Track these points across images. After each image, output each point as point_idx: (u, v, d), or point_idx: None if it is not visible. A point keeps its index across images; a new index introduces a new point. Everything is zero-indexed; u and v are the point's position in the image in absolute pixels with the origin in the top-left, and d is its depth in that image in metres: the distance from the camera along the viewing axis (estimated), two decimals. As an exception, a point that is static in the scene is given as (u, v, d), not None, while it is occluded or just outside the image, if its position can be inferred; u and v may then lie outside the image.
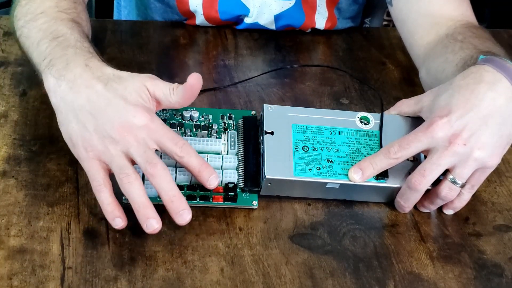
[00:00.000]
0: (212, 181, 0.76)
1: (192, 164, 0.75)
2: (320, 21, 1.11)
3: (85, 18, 0.88)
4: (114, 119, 0.73)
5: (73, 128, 0.74)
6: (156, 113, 0.85)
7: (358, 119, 0.85)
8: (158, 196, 0.78)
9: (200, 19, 1.09)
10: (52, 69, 0.77)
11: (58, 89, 0.76)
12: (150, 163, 0.73)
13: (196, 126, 0.85)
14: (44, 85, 0.78)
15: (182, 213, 0.74)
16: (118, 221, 0.73)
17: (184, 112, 0.86)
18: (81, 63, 0.76)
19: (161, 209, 0.79)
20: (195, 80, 0.75)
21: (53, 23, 0.82)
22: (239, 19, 1.10)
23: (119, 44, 1.04)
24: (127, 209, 0.79)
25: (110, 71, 0.76)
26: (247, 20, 1.09)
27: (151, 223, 0.73)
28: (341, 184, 0.81)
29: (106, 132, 0.73)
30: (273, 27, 1.10)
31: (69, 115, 0.74)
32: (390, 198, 0.83)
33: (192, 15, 1.09)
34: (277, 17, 1.09)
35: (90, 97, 0.74)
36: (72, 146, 0.75)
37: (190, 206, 0.80)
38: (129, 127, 0.73)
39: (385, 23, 1.31)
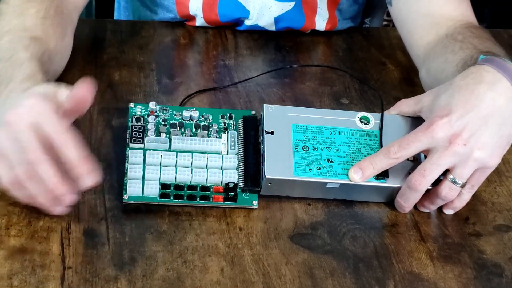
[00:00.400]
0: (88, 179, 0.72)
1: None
2: (321, 23, 1.11)
3: (52, 32, 0.88)
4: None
5: None
6: (156, 112, 0.85)
7: (358, 119, 0.85)
8: (158, 196, 0.79)
9: (200, 22, 1.09)
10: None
11: None
12: (28, 148, 0.70)
13: (196, 126, 0.85)
14: None
15: (56, 203, 0.73)
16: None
17: (184, 112, 0.86)
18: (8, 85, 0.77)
19: (160, 209, 0.79)
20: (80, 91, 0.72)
21: (13, 42, 0.83)
22: (239, 22, 1.10)
23: (119, 44, 1.04)
24: (128, 209, 0.79)
25: (17, 89, 0.75)
26: (247, 22, 1.09)
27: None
28: (341, 184, 0.81)
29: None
30: (273, 29, 1.10)
31: None
32: (390, 198, 0.83)
33: (192, 18, 1.09)
34: (277, 19, 1.09)
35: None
36: None
37: (190, 206, 0.80)
38: (16, 112, 0.71)
39: (385, 23, 1.31)
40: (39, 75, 0.79)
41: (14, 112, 0.71)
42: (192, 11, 1.08)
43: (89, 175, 0.71)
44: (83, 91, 0.72)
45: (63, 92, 0.74)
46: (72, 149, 0.71)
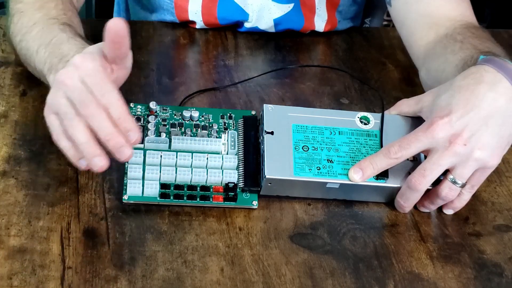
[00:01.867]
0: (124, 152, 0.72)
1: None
2: (320, 24, 1.11)
3: (76, 22, 0.90)
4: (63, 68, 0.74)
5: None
6: (156, 112, 0.85)
7: (358, 119, 0.85)
8: (158, 196, 0.79)
9: (199, 25, 1.09)
10: (52, 70, 0.79)
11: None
12: (82, 103, 0.72)
13: (196, 126, 0.85)
14: (48, 81, 0.79)
15: (122, 150, 0.72)
16: (98, 159, 0.72)
17: (184, 112, 0.86)
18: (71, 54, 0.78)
19: (160, 209, 0.79)
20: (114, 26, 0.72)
21: (46, 29, 0.84)
22: (238, 24, 1.10)
23: (119, 44, 1.04)
24: (128, 209, 0.79)
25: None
26: (247, 25, 1.09)
27: (96, 161, 0.72)
28: (341, 184, 0.81)
29: (55, 85, 0.74)
30: (272, 31, 1.10)
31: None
32: (390, 198, 0.83)
33: (191, 22, 1.09)
34: (276, 22, 1.09)
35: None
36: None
37: (190, 206, 0.80)
38: (67, 71, 0.73)
39: (385, 23, 1.31)
40: (88, 45, 0.80)
41: (64, 71, 0.73)
42: (191, 16, 1.08)
43: (133, 131, 0.72)
44: (116, 23, 0.71)
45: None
46: (117, 106, 0.72)
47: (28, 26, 0.86)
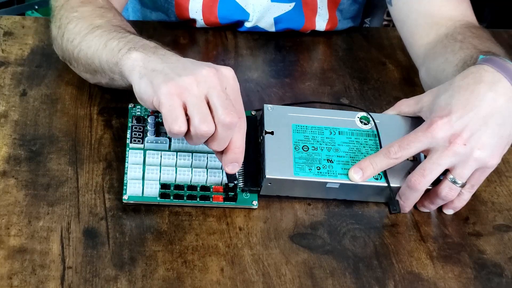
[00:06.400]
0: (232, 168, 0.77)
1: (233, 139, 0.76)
2: (321, 23, 1.11)
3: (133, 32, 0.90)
4: (204, 66, 0.76)
5: (158, 78, 0.75)
6: (156, 112, 0.85)
7: (358, 119, 0.85)
8: (158, 196, 0.79)
9: (200, 24, 1.09)
10: (137, 49, 0.79)
11: (147, 59, 0.77)
12: (227, 109, 0.73)
13: (196, 126, 0.85)
14: (125, 64, 0.79)
15: (234, 165, 0.76)
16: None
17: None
18: (165, 50, 0.80)
19: (160, 209, 0.79)
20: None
21: (112, 31, 0.85)
22: (239, 23, 1.10)
23: (119, 44, 1.04)
24: (128, 209, 0.79)
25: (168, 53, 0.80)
26: (247, 24, 1.09)
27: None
28: (341, 184, 0.81)
29: (193, 73, 0.74)
30: (272, 30, 1.10)
31: (158, 75, 0.75)
32: (389, 198, 0.83)
33: (192, 21, 1.09)
34: (276, 20, 1.09)
35: (180, 58, 0.78)
36: (152, 93, 0.75)
37: (190, 206, 0.80)
38: (215, 71, 0.75)
39: (385, 23, 1.31)
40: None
41: (208, 69, 0.75)
42: (191, 14, 1.08)
43: (234, 164, 0.77)
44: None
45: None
46: (239, 136, 0.76)
47: (90, 28, 0.86)
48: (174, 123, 0.73)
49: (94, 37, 0.85)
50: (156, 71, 0.75)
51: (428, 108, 0.82)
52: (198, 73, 0.74)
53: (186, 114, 0.74)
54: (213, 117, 0.74)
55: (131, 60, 0.78)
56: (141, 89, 0.76)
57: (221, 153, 0.77)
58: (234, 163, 0.76)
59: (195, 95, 0.73)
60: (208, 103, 0.74)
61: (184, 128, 0.73)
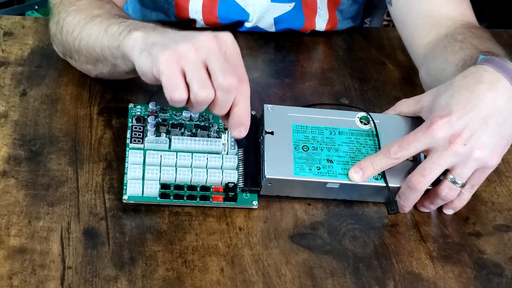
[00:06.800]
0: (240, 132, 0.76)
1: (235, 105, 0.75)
2: (321, 24, 1.11)
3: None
4: (202, 33, 0.75)
5: (156, 49, 0.75)
6: (156, 112, 0.85)
7: (358, 119, 0.85)
8: (158, 196, 0.79)
9: (200, 24, 1.09)
10: (137, 29, 0.79)
11: (147, 36, 0.77)
12: (225, 73, 0.73)
13: (196, 126, 0.85)
14: (127, 45, 0.79)
15: (240, 129, 0.75)
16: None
17: (184, 112, 0.86)
18: (165, 28, 0.79)
19: (160, 209, 0.79)
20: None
21: (111, 17, 0.85)
22: (239, 23, 1.10)
23: (119, 44, 1.04)
24: (128, 209, 0.79)
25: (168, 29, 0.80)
26: (247, 25, 1.09)
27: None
28: (341, 184, 0.81)
29: (190, 40, 0.74)
30: (272, 30, 1.10)
31: (157, 46, 0.75)
32: (388, 198, 0.83)
33: (192, 21, 1.09)
34: (276, 20, 1.09)
35: (179, 31, 0.78)
36: (151, 64, 0.75)
37: (190, 206, 0.80)
38: (214, 36, 0.74)
39: (385, 23, 1.31)
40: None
41: (206, 35, 0.74)
42: (191, 15, 1.08)
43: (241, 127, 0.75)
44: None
45: None
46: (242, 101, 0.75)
47: (89, 18, 0.86)
48: (175, 91, 0.72)
49: (94, 25, 0.85)
50: (155, 44, 0.75)
51: (428, 108, 0.82)
52: (196, 40, 0.74)
53: (187, 81, 0.73)
54: (212, 82, 0.73)
55: (132, 40, 0.78)
56: (142, 63, 0.75)
57: (226, 117, 0.76)
58: (241, 127, 0.75)
59: (193, 61, 0.73)
60: (207, 69, 0.74)
61: (185, 96, 0.73)
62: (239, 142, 0.77)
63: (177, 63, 0.72)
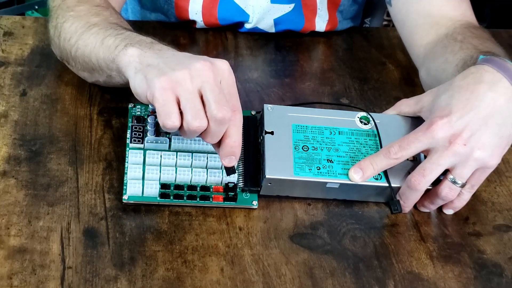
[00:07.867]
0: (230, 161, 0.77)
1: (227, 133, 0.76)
2: (320, 24, 1.11)
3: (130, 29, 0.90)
4: (199, 59, 0.75)
5: (152, 73, 0.75)
6: (156, 118, 0.85)
7: (358, 119, 0.85)
8: (158, 196, 0.79)
9: (200, 25, 1.09)
10: (133, 45, 0.79)
11: (143, 54, 0.77)
12: (219, 104, 0.73)
13: (196, 126, 0.85)
14: (122, 60, 0.79)
15: (231, 159, 0.76)
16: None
17: (184, 112, 0.86)
18: (161, 45, 0.79)
19: (160, 209, 0.79)
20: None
21: (109, 28, 0.84)
22: (239, 24, 1.10)
23: (119, 44, 1.04)
24: (128, 209, 0.79)
25: (164, 47, 0.80)
26: (247, 26, 1.09)
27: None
28: (341, 184, 0.81)
29: (187, 67, 0.74)
30: (272, 30, 1.10)
31: (152, 69, 0.75)
32: (390, 198, 0.83)
33: (192, 22, 1.09)
34: (276, 21, 1.09)
35: (176, 53, 0.78)
36: (146, 87, 0.75)
37: (190, 206, 0.80)
38: (210, 64, 0.74)
39: (385, 23, 1.31)
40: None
41: (202, 63, 0.74)
42: (191, 16, 1.08)
43: (231, 158, 0.76)
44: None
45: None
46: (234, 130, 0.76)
47: (86, 27, 0.86)
48: (168, 119, 0.73)
49: (91, 35, 0.85)
50: (150, 66, 0.75)
51: (428, 108, 0.82)
52: (192, 67, 0.74)
53: (180, 108, 0.73)
54: (206, 112, 0.73)
55: (127, 56, 0.78)
56: (136, 84, 0.76)
57: (218, 145, 0.77)
58: (231, 156, 0.76)
59: (188, 90, 0.73)
60: (202, 97, 0.74)
61: (178, 123, 0.73)
62: (228, 170, 0.77)
63: (172, 90, 0.73)
